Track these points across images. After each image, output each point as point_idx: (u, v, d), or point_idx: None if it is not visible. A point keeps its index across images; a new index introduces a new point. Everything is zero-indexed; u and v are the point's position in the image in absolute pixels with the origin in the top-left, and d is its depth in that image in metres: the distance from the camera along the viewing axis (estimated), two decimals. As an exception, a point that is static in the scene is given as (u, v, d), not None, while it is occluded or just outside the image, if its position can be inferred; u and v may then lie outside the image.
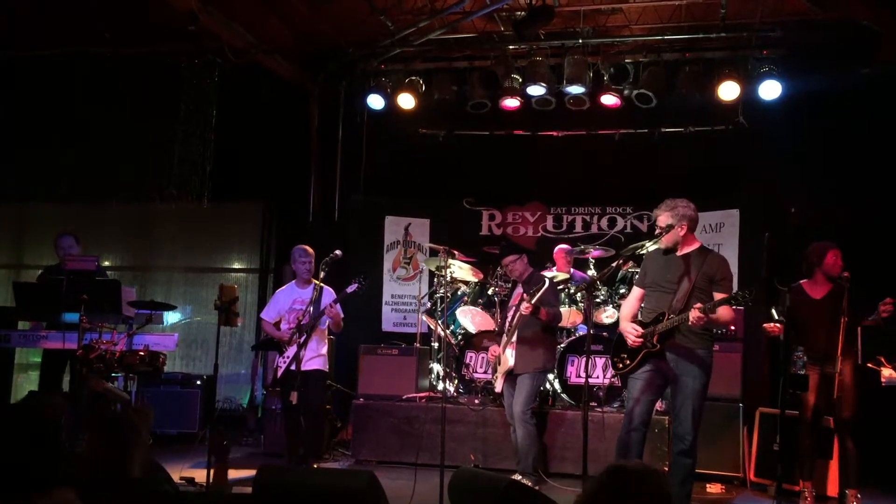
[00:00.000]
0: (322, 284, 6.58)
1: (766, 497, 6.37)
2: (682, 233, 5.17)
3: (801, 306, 6.03)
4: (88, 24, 8.37)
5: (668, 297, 5.12)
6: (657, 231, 5.23)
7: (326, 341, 6.74)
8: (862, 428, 5.97)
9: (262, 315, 6.89)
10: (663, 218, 5.19)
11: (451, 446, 6.66)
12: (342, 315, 6.55)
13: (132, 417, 3.24)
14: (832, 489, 6.18)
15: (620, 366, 5.31)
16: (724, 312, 4.99)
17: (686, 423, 5.06)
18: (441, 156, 9.40)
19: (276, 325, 6.73)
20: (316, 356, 6.55)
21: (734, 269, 7.63)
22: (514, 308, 6.47)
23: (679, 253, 5.21)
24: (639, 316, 5.33)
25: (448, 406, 6.64)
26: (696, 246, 5.23)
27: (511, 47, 8.66)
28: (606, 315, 7.62)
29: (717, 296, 5.03)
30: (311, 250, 6.71)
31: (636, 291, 5.45)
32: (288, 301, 6.71)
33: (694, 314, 4.85)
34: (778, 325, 6.11)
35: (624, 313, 5.43)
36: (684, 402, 5.06)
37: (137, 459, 3.10)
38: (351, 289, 6.41)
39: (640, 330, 5.15)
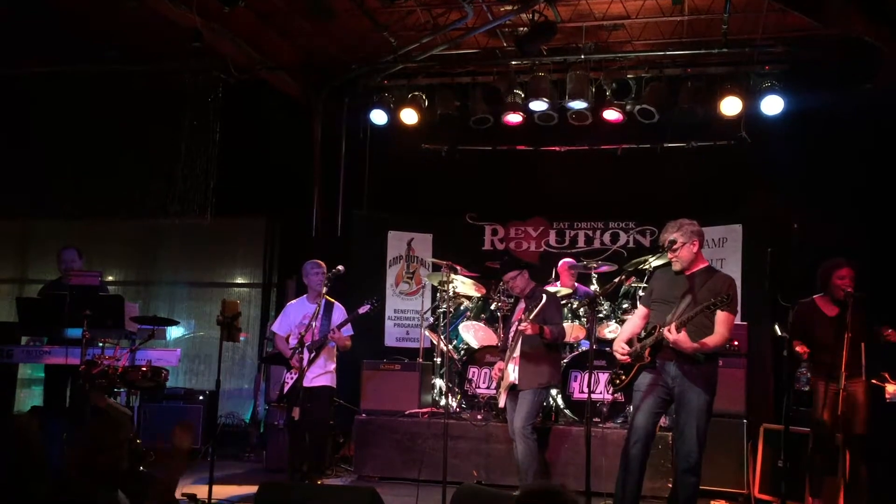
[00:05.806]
0: (332, 300, 6.58)
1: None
2: (695, 249, 5.17)
3: (814, 323, 5.98)
4: (93, 41, 8.42)
5: (669, 310, 5.11)
6: (670, 252, 5.17)
7: (335, 358, 6.74)
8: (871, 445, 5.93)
9: (274, 329, 6.90)
10: (676, 237, 5.13)
11: (453, 462, 6.64)
12: (350, 333, 6.59)
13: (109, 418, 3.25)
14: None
15: (617, 381, 5.36)
16: (712, 338, 4.96)
17: (691, 441, 5.02)
18: (444, 171, 9.41)
19: (288, 338, 6.72)
20: (324, 373, 6.55)
21: (737, 283, 7.62)
22: (516, 323, 6.45)
23: (687, 272, 5.18)
24: (642, 335, 5.30)
25: (450, 422, 6.65)
26: (703, 265, 5.23)
27: (513, 63, 8.68)
28: (609, 330, 7.60)
29: (718, 314, 4.98)
30: (322, 263, 6.72)
31: (640, 311, 5.44)
32: (298, 315, 6.71)
33: (669, 331, 4.88)
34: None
35: (622, 332, 5.44)
36: (688, 420, 5.03)
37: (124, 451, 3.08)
38: (363, 310, 6.44)
39: (627, 349, 5.21)
